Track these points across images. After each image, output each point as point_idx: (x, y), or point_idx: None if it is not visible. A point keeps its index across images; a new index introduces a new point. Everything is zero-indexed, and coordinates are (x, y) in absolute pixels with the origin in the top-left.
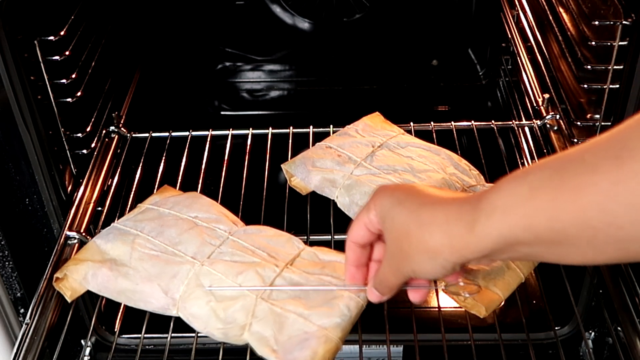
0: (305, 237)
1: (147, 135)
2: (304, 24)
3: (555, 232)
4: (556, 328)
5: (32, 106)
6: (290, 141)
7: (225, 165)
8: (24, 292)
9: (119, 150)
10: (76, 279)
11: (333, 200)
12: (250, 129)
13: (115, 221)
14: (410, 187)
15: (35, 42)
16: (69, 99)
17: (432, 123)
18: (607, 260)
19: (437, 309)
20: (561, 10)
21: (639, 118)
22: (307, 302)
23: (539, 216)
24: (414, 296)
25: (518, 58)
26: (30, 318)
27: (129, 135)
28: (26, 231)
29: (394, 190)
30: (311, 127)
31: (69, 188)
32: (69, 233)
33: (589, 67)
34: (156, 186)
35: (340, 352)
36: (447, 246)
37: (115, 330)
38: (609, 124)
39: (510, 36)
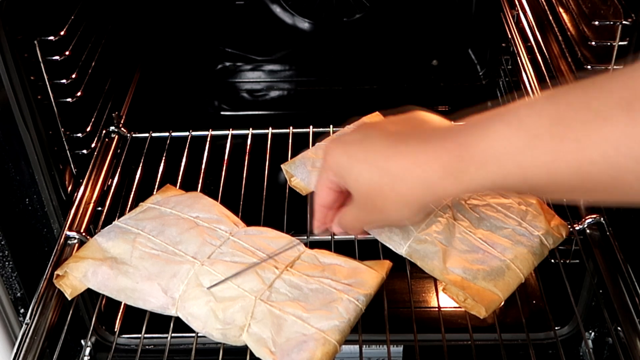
0: (305, 237)
1: (147, 135)
2: (304, 24)
3: (554, 183)
4: (556, 328)
5: (32, 106)
6: (290, 141)
7: (225, 165)
8: (24, 292)
9: (119, 150)
10: (76, 276)
11: None
12: (250, 129)
13: (116, 220)
14: (363, 138)
15: (35, 42)
16: (69, 99)
17: None
18: (600, 202)
19: (437, 309)
20: (561, 10)
21: None
22: (305, 305)
23: (537, 168)
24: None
25: (518, 58)
26: (30, 318)
27: (129, 135)
28: (26, 231)
29: (347, 146)
30: (311, 127)
31: (69, 188)
32: (69, 233)
33: (589, 67)
34: (156, 186)
35: (340, 352)
36: (429, 194)
37: (115, 330)
38: None
39: (510, 36)
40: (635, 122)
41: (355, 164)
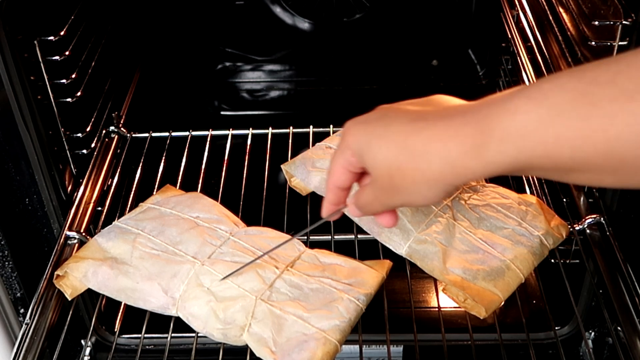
0: (305, 238)
1: (147, 135)
2: (304, 24)
3: (577, 162)
4: (556, 328)
5: (32, 106)
6: (290, 141)
7: (225, 165)
8: (24, 292)
9: (119, 150)
10: (77, 276)
11: None
12: (250, 129)
13: (116, 220)
14: (383, 116)
15: (35, 42)
16: (69, 99)
17: None
18: (624, 186)
19: (437, 309)
20: (561, 10)
21: None
22: (306, 305)
23: (560, 145)
24: (386, 222)
25: (518, 58)
26: (30, 318)
27: (129, 135)
28: (26, 231)
29: (366, 124)
30: (311, 127)
31: (69, 188)
32: (69, 233)
33: None
34: (156, 186)
35: (340, 352)
36: (450, 172)
37: (115, 330)
38: None
39: (510, 36)
40: None
41: (374, 141)
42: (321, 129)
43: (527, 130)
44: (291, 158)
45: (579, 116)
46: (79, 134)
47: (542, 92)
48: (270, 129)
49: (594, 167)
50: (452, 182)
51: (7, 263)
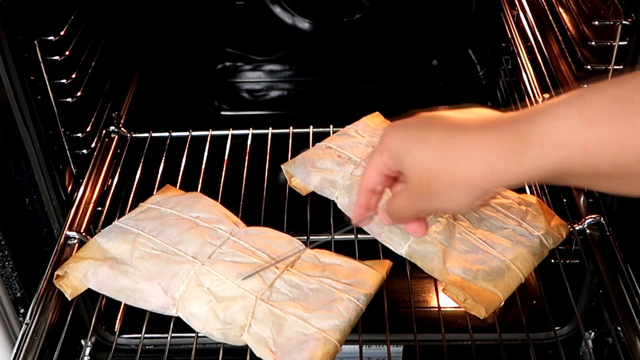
0: (305, 238)
1: (147, 135)
2: (304, 24)
3: (617, 168)
4: (556, 328)
5: (32, 106)
6: (290, 141)
7: (225, 165)
8: (24, 292)
9: (119, 150)
10: (77, 276)
11: (333, 201)
12: (250, 129)
13: (116, 220)
14: (424, 120)
15: (35, 42)
16: (69, 99)
17: None
18: None
19: (437, 309)
20: (561, 10)
21: None
22: (306, 305)
23: (600, 151)
24: (416, 231)
25: (518, 58)
26: (30, 318)
27: (129, 135)
28: (26, 231)
29: (407, 127)
30: (311, 127)
31: (69, 188)
32: (69, 233)
33: (589, 67)
34: (156, 186)
35: (340, 352)
36: (489, 177)
37: (115, 330)
38: None
39: (510, 36)
40: None
41: (414, 144)
42: (321, 129)
43: (568, 136)
44: (291, 158)
45: (620, 123)
46: (79, 134)
47: (583, 100)
48: (270, 129)
49: (633, 174)
50: (490, 187)
51: (7, 263)
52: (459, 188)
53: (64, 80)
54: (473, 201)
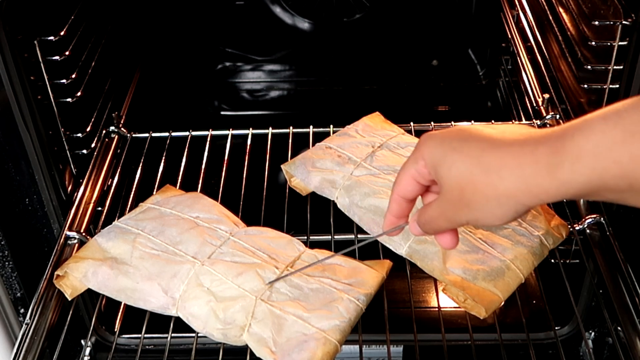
0: (305, 238)
1: (147, 135)
2: (304, 24)
3: None
4: (556, 328)
5: (32, 106)
6: (290, 141)
7: (225, 165)
8: (24, 292)
9: (119, 150)
10: (77, 276)
11: (333, 201)
12: (250, 129)
13: (116, 220)
14: (460, 132)
15: (35, 42)
16: (69, 99)
17: (432, 123)
18: None
19: (437, 309)
20: (561, 10)
21: None
22: (306, 305)
23: (636, 164)
24: (448, 243)
25: (518, 58)
26: (30, 318)
27: (129, 135)
28: (26, 231)
29: (444, 137)
30: (311, 127)
31: (69, 188)
32: (69, 233)
33: (589, 67)
34: (156, 186)
35: (340, 352)
36: (523, 191)
37: (115, 330)
38: None
39: (510, 36)
40: None
41: (450, 153)
42: (321, 129)
43: (602, 149)
44: (291, 158)
45: None
46: (79, 134)
47: (617, 113)
48: (270, 129)
49: None
50: (524, 202)
51: (7, 263)
52: (491, 200)
53: (64, 80)
54: (506, 214)
